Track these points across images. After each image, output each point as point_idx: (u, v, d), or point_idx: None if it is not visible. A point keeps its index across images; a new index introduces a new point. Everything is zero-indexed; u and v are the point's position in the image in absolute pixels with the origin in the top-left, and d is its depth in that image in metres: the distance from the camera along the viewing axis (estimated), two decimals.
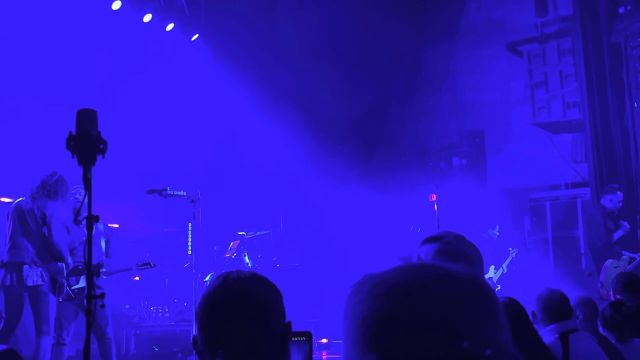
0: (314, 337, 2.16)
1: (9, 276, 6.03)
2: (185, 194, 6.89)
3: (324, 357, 8.75)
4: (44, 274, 6.03)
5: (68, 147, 2.95)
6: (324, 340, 9.16)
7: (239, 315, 1.69)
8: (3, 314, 6.20)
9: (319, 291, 9.83)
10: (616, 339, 3.99)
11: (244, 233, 9.39)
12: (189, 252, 9.31)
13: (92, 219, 3.01)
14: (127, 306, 9.12)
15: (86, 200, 3.01)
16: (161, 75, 9.63)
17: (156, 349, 8.82)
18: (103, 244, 6.57)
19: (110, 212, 7.10)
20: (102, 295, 2.95)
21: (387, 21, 10.44)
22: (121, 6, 8.67)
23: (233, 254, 9.32)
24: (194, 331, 1.77)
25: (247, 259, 9.00)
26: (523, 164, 11.69)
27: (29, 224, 6.08)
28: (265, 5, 10.36)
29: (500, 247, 9.09)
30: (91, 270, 2.99)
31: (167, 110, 9.74)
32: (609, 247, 7.99)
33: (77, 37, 8.37)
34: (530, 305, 3.63)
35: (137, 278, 9.45)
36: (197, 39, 10.20)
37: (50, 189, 6.10)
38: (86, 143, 2.95)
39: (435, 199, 7.67)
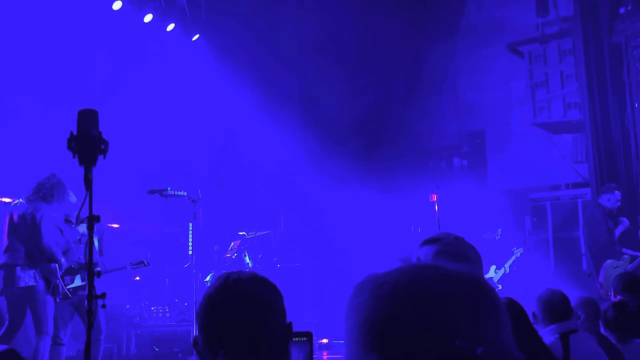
0: (314, 338, 2.16)
1: (2, 278, 6.07)
2: (186, 194, 6.90)
3: (325, 357, 8.74)
4: (37, 275, 6.05)
5: (69, 147, 2.95)
6: (325, 341, 9.15)
7: (240, 315, 1.69)
8: (6, 316, 6.22)
9: (320, 291, 9.83)
10: (617, 340, 3.99)
11: (244, 233, 9.39)
12: (190, 252, 9.31)
13: (93, 219, 3.01)
14: (127, 306, 9.12)
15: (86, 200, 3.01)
16: (162, 75, 9.64)
17: (157, 349, 8.82)
18: (96, 243, 6.57)
19: (111, 212, 7.11)
20: (103, 295, 2.95)
21: (388, 21, 10.44)
22: (122, 6, 8.67)
23: (234, 254, 9.33)
24: (195, 331, 1.78)
25: (247, 259, 9.00)
26: (524, 164, 11.69)
27: (20, 226, 6.11)
28: (266, 5, 10.35)
29: (501, 248, 9.08)
30: (92, 271, 2.98)
31: (167, 111, 9.75)
32: (611, 246, 7.99)
33: (78, 37, 8.38)
34: (530, 306, 3.63)
35: (137, 278, 9.46)
36: (197, 39, 10.21)
37: (46, 192, 6.13)
38: (87, 143, 2.96)
39: (435, 199, 7.68)
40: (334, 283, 9.32)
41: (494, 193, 11.39)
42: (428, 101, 12.41)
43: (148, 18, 9.19)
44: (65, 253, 6.48)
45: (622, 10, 9.50)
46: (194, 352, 1.77)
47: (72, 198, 6.37)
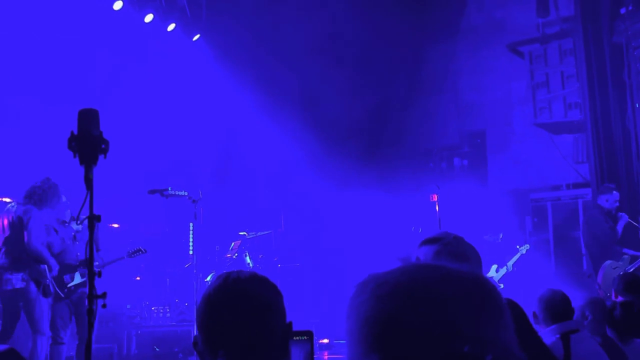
0: (315, 338, 2.16)
1: None
2: (186, 194, 6.90)
3: (326, 357, 8.74)
4: (26, 277, 6.06)
5: (70, 147, 2.96)
6: (325, 341, 9.14)
7: (239, 315, 1.69)
8: (0, 320, 6.24)
9: (320, 291, 9.83)
10: (619, 339, 3.99)
11: (245, 233, 9.39)
12: (191, 252, 9.31)
13: (94, 219, 3.01)
14: (128, 306, 9.13)
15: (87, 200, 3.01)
16: (162, 75, 9.65)
17: (157, 349, 8.82)
18: None
19: (112, 212, 7.11)
20: (104, 295, 2.95)
21: (388, 21, 10.44)
22: (122, 6, 8.68)
23: (234, 254, 9.33)
24: (195, 331, 1.77)
25: (248, 259, 9.00)
26: (524, 165, 11.69)
27: (9, 229, 6.14)
28: (266, 5, 10.35)
29: (502, 250, 9.07)
30: (93, 271, 2.98)
31: (168, 110, 9.75)
32: (613, 244, 7.99)
33: (78, 37, 8.38)
34: (531, 306, 3.63)
35: (138, 278, 9.46)
36: (198, 39, 10.21)
37: (37, 197, 6.16)
38: (88, 143, 2.96)
39: (436, 199, 7.67)
40: (334, 283, 9.32)
41: (495, 193, 11.38)
42: (428, 101, 12.40)
43: (149, 18, 9.19)
44: (62, 253, 6.50)
45: (622, 11, 9.50)
46: (195, 352, 1.76)
47: (62, 199, 6.41)
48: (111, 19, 8.72)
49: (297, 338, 2.10)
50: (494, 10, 12.07)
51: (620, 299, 4.57)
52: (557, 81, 10.62)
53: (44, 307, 6.15)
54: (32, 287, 6.08)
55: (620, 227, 8.08)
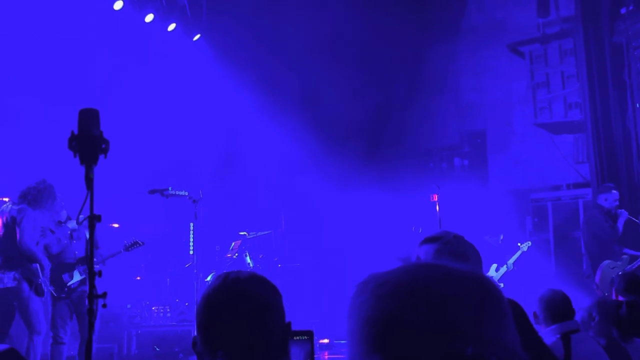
0: (315, 338, 2.17)
1: None
2: (187, 193, 6.90)
3: (326, 357, 8.74)
4: (18, 277, 6.07)
5: (70, 146, 2.95)
6: (326, 341, 9.14)
7: (239, 315, 1.68)
8: None
9: (320, 291, 9.83)
10: (621, 338, 3.98)
11: (245, 233, 9.39)
12: (191, 252, 9.32)
13: (94, 219, 3.01)
14: (128, 306, 9.13)
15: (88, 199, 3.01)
16: (163, 75, 9.65)
17: (157, 349, 8.83)
18: (88, 235, 6.56)
19: (112, 211, 7.11)
20: (104, 294, 2.95)
21: (389, 21, 10.44)
22: (123, 6, 8.68)
23: (234, 254, 9.33)
24: (195, 331, 1.77)
25: (248, 259, 9.00)
26: (524, 165, 11.68)
27: (2, 228, 6.16)
28: (267, 5, 10.36)
29: (502, 250, 9.06)
30: (93, 270, 2.98)
31: (168, 110, 9.76)
32: (614, 242, 7.98)
33: (79, 37, 8.39)
34: (531, 306, 3.63)
35: (138, 278, 9.46)
36: (198, 39, 10.22)
37: (31, 197, 6.17)
38: (88, 143, 2.95)
39: (436, 199, 7.67)
40: (334, 283, 9.32)
41: (495, 193, 11.38)
42: (429, 101, 12.40)
43: (149, 18, 9.19)
44: (60, 253, 6.51)
45: (623, 11, 9.50)
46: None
47: (57, 199, 6.42)
48: (111, 19, 8.72)
49: (298, 338, 2.10)
50: (494, 10, 12.07)
51: (620, 298, 4.57)
52: (557, 81, 10.62)
53: (37, 306, 6.16)
54: (25, 286, 6.09)
55: (620, 224, 8.06)
